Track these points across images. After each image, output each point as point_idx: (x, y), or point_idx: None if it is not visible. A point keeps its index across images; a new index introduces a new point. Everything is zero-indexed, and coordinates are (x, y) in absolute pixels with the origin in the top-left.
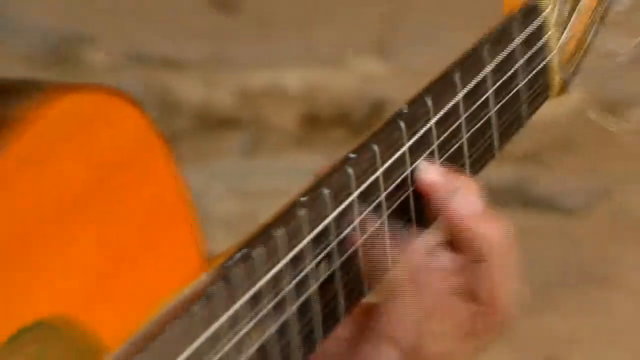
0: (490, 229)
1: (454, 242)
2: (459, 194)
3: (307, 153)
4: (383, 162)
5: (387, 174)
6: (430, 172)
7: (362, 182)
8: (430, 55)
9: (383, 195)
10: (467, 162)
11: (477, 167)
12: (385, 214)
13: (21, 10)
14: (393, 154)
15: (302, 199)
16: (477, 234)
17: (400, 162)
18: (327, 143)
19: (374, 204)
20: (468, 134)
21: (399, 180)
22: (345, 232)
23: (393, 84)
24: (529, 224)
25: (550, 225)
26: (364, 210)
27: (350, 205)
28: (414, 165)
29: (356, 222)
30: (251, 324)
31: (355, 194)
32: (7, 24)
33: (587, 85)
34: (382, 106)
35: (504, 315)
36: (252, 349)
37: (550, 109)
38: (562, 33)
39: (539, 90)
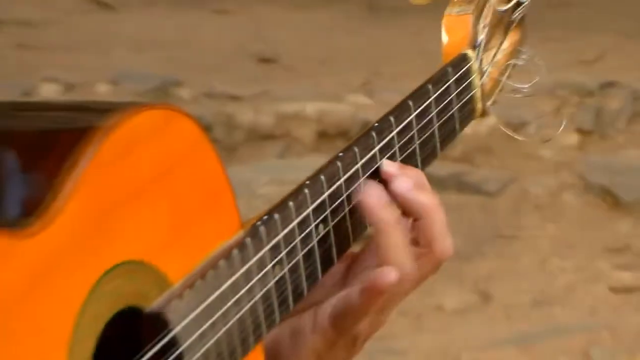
0: (423, 197)
1: (403, 209)
2: (403, 178)
3: (320, 156)
4: (361, 158)
5: (363, 165)
6: (388, 165)
7: (347, 171)
8: (401, 91)
9: (361, 179)
10: (419, 160)
11: (425, 164)
12: (362, 191)
13: (133, 63)
14: (367, 153)
15: (307, 182)
16: (415, 201)
17: (372, 159)
18: (332, 149)
19: (355, 185)
20: (419, 141)
21: (371, 170)
22: (335, 203)
23: (375, 111)
24: (461, 202)
25: (476, 202)
26: (349, 188)
27: (339, 185)
28: (381, 162)
29: (343, 196)
30: (272, 264)
31: (342, 179)
32: (124, 72)
33: (499, 110)
34: (368, 125)
35: (439, 256)
36: (273, 282)
37: (475, 126)
38: (483, 76)
39: (467, 113)
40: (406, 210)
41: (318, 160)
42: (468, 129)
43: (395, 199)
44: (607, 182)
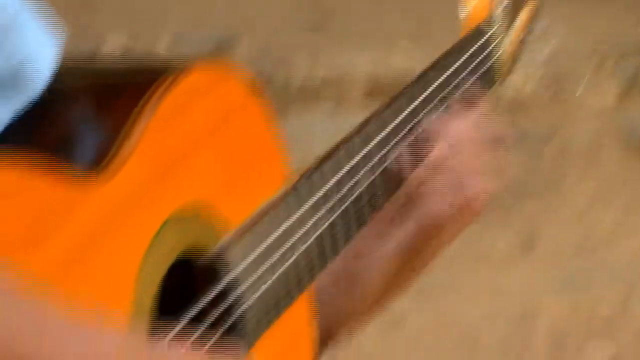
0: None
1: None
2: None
3: (367, 112)
4: (404, 112)
5: (404, 119)
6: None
7: (392, 122)
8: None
9: (401, 134)
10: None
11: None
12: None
13: (192, 21)
14: (409, 105)
15: (356, 131)
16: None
17: (413, 112)
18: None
19: (400, 135)
20: (461, 91)
21: (411, 124)
22: (382, 152)
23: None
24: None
25: (518, 155)
26: (395, 138)
27: (386, 135)
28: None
29: (390, 145)
30: (324, 210)
31: (388, 128)
32: (182, 29)
33: (541, 66)
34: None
35: (483, 197)
36: (325, 226)
37: (518, 81)
38: (504, 41)
39: (487, 81)
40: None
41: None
42: (511, 83)
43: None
44: None
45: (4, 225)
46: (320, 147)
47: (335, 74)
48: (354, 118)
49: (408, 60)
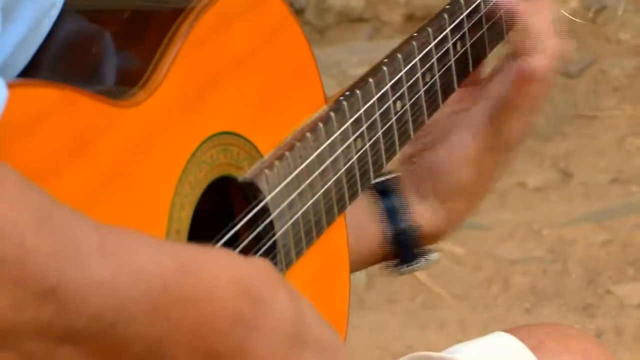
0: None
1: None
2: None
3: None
4: (434, 38)
5: (436, 45)
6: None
7: (422, 50)
8: None
9: (434, 58)
10: (486, 40)
11: (491, 46)
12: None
13: None
14: (440, 34)
15: (385, 60)
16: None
17: (444, 39)
18: None
19: (429, 62)
20: (487, 25)
21: (443, 50)
22: (411, 81)
23: None
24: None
25: (556, 83)
26: (424, 66)
27: (415, 64)
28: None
29: (419, 74)
30: (354, 137)
31: (418, 57)
32: None
33: None
34: None
35: (551, 53)
36: (355, 154)
37: (556, 10)
38: None
39: None
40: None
41: None
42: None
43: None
44: None
45: (50, 140)
46: (359, 71)
47: None
48: (392, 43)
49: None
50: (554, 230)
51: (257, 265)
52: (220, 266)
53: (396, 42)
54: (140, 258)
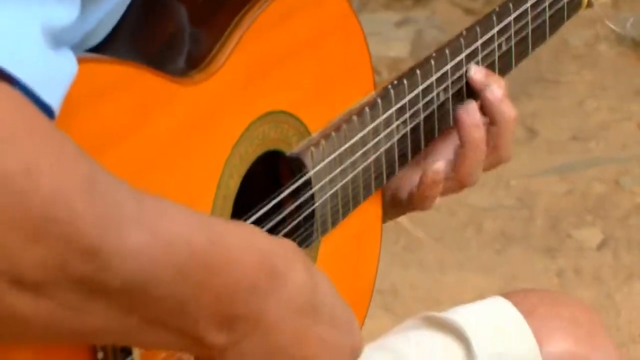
0: (506, 108)
1: (485, 113)
2: (496, 86)
3: (389, 13)
4: (481, 37)
5: (483, 44)
6: (476, 72)
7: (469, 47)
8: None
9: (479, 56)
10: (530, 44)
11: (534, 47)
12: (461, 108)
13: None
14: (487, 33)
15: (433, 54)
16: (499, 110)
17: (490, 39)
18: (404, 9)
19: (474, 59)
20: (532, 26)
21: (489, 49)
22: (456, 75)
23: None
24: None
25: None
26: (470, 62)
27: (460, 59)
28: (467, 66)
29: (464, 69)
30: (397, 123)
31: (464, 53)
32: None
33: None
34: None
35: (499, 160)
36: (396, 138)
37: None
38: None
39: (575, 4)
40: (488, 114)
41: (389, 16)
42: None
43: (483, 103)
44: (637, 35)
45: (111, 112)
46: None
47: None
48: (377, 16)
49: None
50: (521, 181)
51: (280, 243)
52: (246, 241)
53: (381, 15)
54: (173, 228)
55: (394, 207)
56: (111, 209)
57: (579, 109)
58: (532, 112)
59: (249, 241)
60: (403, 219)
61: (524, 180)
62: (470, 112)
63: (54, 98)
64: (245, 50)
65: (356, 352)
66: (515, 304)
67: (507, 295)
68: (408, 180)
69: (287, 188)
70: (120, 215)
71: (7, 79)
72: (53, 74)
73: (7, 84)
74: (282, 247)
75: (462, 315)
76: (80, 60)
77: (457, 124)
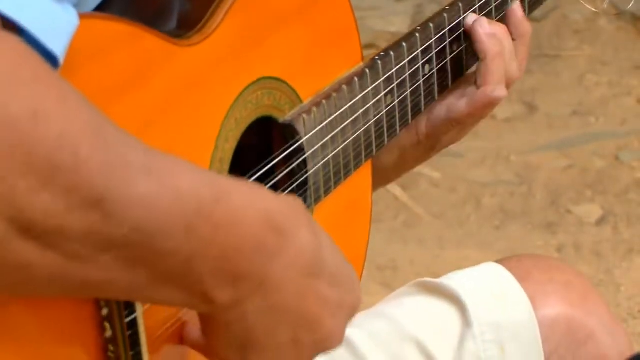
0: (491, 42)
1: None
2: (484, 21)
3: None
4: (464, 13)
5: (465, 18)
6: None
7: (452, 22)
8: None
9: (462, 29)
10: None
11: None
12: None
13: None
14: (470, 9)
15: (418, 27)
16: (483, 42)
17: (473, 13)
18: None
19: (457, 32)
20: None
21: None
22: (440, 47)
23: None
24: None
25: None
26: (452, 36)
27: (444, 33)
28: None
29: (447, 42)
30: (384, 93)
31: (447, 28)
32: None
33: None
34: None
35: (484, 98)
36: (384, 108)
37: None
38: None
39: None
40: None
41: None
42: None
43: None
44: (637, 10)
45: (113, 68)
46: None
47: None
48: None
49: None
50: (521, 157)
51: (286, 201)
52: (252, 199)
53: None
54: (181, 182)
55: (427, 142)
56: (118, 157)
57: (579, 84)
58: (532, 88)
59: (256, 199)
60: (402, 195)
61: (524, 156)
62: (483, 24)
63: (58, 47)
64: (236, 17)
65: (357, 309)
66: (510, 270)
67: (501, 261)
68: (453, 106)
69: (280, 154)
70: (128, 163)
71: (12, 27)
72: (57, 24)
73: (12, 31)
74: (288, 206)
75: (457, 280)
76: (82, 17)
77: (473, 38)
